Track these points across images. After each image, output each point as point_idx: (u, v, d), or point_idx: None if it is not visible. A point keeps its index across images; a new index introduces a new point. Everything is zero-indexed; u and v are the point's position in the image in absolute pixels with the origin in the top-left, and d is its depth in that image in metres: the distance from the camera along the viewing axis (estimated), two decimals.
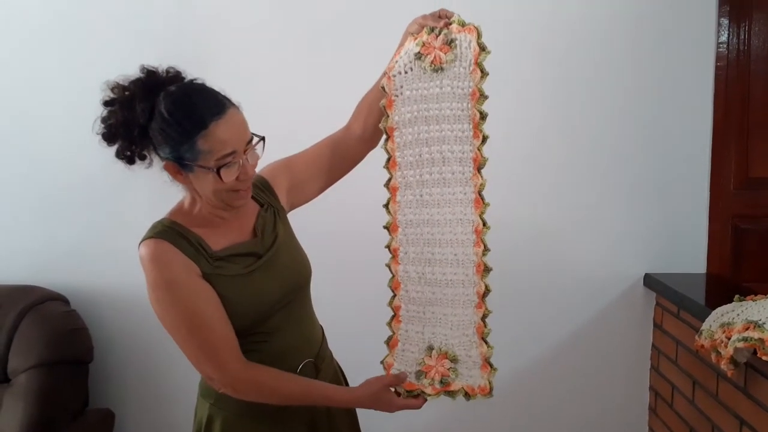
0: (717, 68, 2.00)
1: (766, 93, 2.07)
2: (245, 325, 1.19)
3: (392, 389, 1.26)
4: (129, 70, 1.15)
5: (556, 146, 2.03)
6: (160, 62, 1.18)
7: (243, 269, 1.19)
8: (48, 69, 2.06)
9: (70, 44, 2.04)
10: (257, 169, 1.24)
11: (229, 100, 1.14)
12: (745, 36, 2.03)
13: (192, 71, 1.19)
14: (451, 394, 1.25)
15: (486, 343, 1.27)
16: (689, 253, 2.07)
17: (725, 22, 2.00)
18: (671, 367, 1.94)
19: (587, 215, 2.06)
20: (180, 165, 1.12)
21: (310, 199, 1.41)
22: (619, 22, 1.98)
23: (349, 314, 1.89)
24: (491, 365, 1.26)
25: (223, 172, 1.10)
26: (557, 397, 2.15)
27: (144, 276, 1.15)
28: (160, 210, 1.22)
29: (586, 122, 2.03)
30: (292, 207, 1.38)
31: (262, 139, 1.17)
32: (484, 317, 1.27)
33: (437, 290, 1.27)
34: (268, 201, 1.30)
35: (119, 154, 1.14)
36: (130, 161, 1.15)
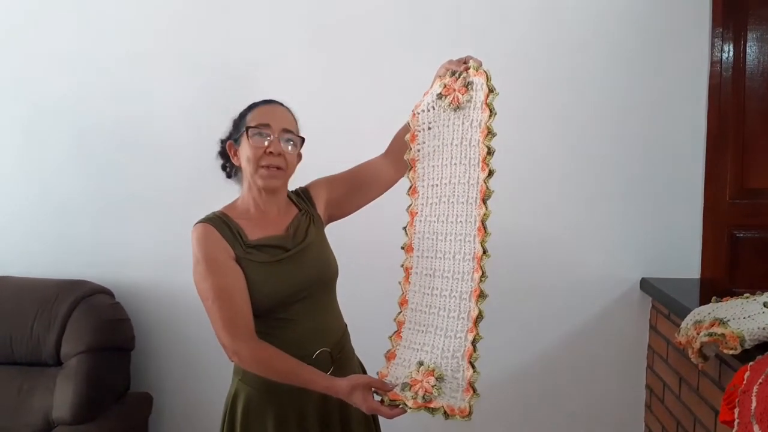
0: (711, 85, 2.12)
1: (762, 108, 2.17)
2: (267, 306, 1.36)
3: (375, 393, 1.30)
4: None
5: (556, 158, 2.17)
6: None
7: (270, 258, 1.39)
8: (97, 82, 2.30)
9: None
10: (304, 183, 1.53)
11: (280, 101, 1.45)
12: (741, 54, 2.14)
13: None
14: (431, 410, 1.26)
15: (473, 367, 1.26)
16: (684, 259, 2.18)
17: (719, 42, 2.12)
18: (663, 366, 2.05)
19: (587, 223, 2.19)
20: (234, 141, 1.43)
21: (348, 214, 1.59)
22: (618, 37, 2.12)
23: (377, 320, 1.81)
24: (475, 390, 1.25)
25: (252, 135, 1.38)
26: (558, 395, 2.26)
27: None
28: (191, 220, 1.43)
29: (585, 135, 2.16)
30: (331, 218, 1.57)
31: (302, 139, 1.44)
32: (474, 342, 1.27)
33: (436, 310, 1.35)
34: (306, 208, 1.52)
35: (223, 168, 1.52)
36: (228, 176, 1.51)
